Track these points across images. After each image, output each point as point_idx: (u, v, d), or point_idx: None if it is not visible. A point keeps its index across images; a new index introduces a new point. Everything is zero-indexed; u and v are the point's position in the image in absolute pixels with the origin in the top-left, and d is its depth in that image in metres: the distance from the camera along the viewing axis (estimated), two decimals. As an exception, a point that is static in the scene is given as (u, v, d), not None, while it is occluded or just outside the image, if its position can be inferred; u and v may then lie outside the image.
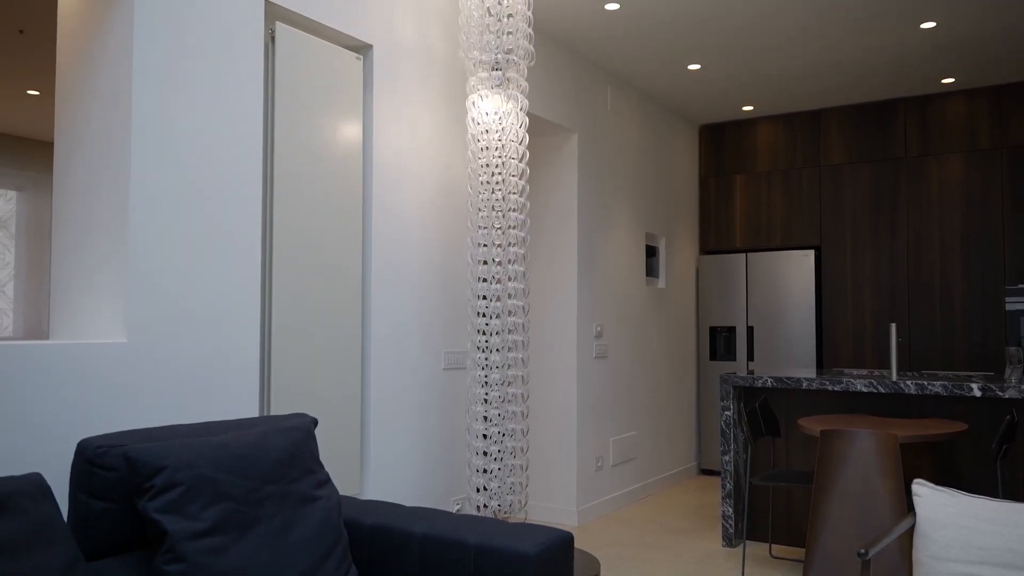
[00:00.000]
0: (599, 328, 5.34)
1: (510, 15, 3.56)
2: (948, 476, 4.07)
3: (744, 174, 6.79)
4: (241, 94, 2.92)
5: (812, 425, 3.71)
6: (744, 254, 6.61)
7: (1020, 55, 5.20)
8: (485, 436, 3.59)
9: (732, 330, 6.65)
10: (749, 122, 6.78)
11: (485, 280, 3.61)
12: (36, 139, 7.74)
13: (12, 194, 7.56)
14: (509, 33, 3.56)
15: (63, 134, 2.80)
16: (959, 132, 5.94)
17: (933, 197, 6.00)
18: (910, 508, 3.80)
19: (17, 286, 7.53)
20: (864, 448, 3.34)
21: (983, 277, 5.79)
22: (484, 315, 3.61)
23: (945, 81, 5.74)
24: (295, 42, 3.21)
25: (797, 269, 6.37)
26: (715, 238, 6.93)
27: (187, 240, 2.72)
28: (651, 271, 6.23)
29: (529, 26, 3.63)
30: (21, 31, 4.87)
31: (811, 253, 6.31)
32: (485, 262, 3.61)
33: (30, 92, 6.15)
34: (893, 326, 4.23)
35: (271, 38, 3.14)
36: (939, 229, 5.97)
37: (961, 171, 5.91)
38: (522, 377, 3.69)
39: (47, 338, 7.44)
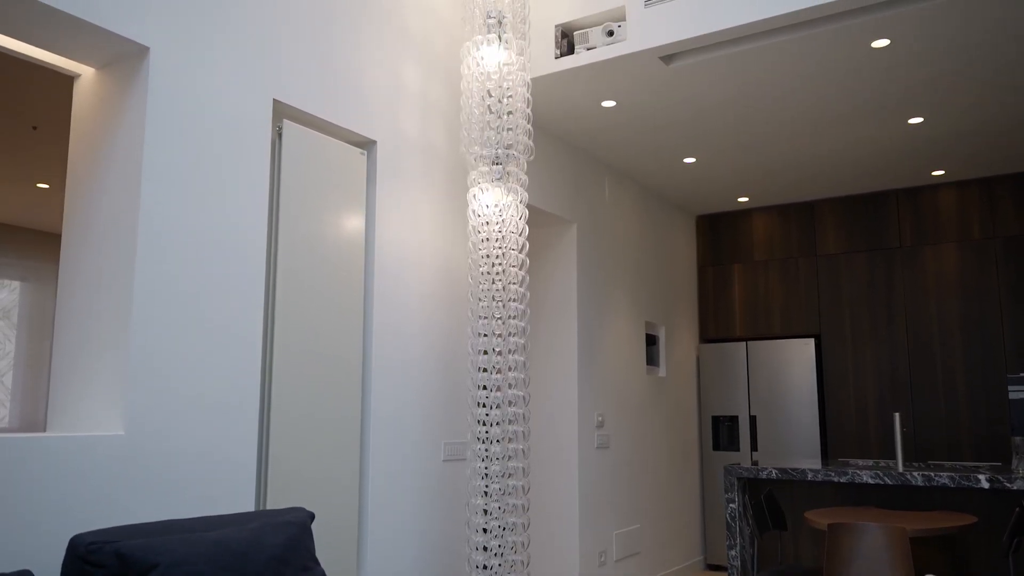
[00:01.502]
0: (600, 418, 5.30)
1: (510, 112, 3.68)
2: (959, 570, 3.97)
3: (741, 263, 6.86)
4: (247, 188, 2.99)
5: (819, 518, 3.63)
6: (744, 343, 6.61)
7: (1007, 148, 5.33)
8: (485, 530, 3.51)
9: (735, 419, 6.58)
10: (745, 212, 6.90)
11: (485, 370, 3.60)
12: (42, 230, 7.87)
13: (16, 284, 7.63)
14: (509, 129, 3.67)
15: (71, 226, 2.85)
16: (952, 223, 6.04)
17: (930, 286, 6.05)
18: (923, 605, 3.68)
19: (16, 376, 7.50)
20: (873, 542, 3.26)
21: (984, 366, 5.78)
22: (484, 405, 3.58)
23: (935, 173, 5.87)
24: (301, 139, 3.30)
25: (798, 358, 6.36)
26: (715, 327, 6.94)
27: (189, 331, 2.73)
28: (651, 360, 6.21)
29: (528, 123, 3.75)
30: (35, 127, 5.02)
31: (811, 342, 6.32)
32: (485, 352, 3.61)
33: (40, 185, 6.28)
34: (897, 416, 4.20)
35: (278, 135, 3.23)
36: (938, 318, 5.99)
37: (956, 261, 5.98)
38: (523, 469, 3.64)
39: (44, 429, 7.35)
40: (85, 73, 2.89)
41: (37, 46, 2.66)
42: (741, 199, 6.60)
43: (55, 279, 7.90)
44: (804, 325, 6.51)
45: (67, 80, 4.27)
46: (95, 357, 2.64)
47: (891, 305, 6.16)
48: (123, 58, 2.76)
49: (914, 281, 6.11)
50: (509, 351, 3.63)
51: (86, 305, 2.72)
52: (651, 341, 6.23)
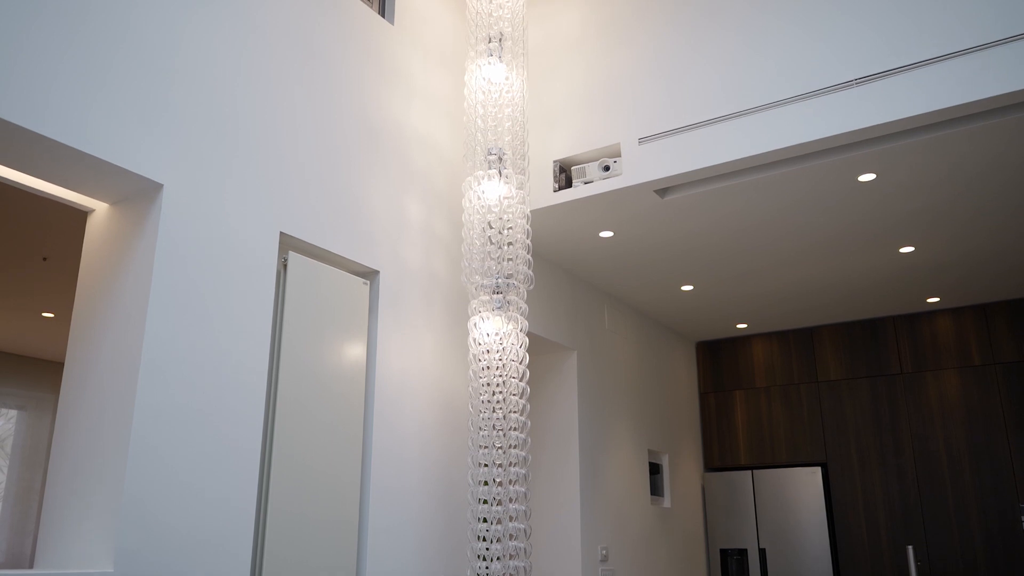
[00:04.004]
0: (604, 551, 5.13)
1: (510, 243, 3.77)
2: None
3: (743, 389, 6.83)
4: (251, 318, 3.03)
5: (835, 660, 3.46)
6: (750, 471, 6.49)
7: (998, 276, 5.42)
8: (485, 674, 3.34)
9: (744, 552, 6.37)
10: (744, 339, 6.93)
11: (485, 501, 3.53)
12: (43, 359, 7.88)
13: (13, 413, 7.57)
14: (509, 259, 3.75)
15: (75, 355, 2.87)
16: (950, 349, 6.05)
17: (934, 413, 5.99)
18: None
19: (5, 508, 7.32)
20: None
21: (996, 495, 5.65)
22: (484, 539, 3.49)
23: (930, 300, 5.94)
24: (306, 269, 3.37)
25: (805, 487, 6.22)
26: (719, 454, 6.83)
27: (186, 462, 2.70)
28: (656, 489, 6.08)
29: (528, 253, 3.84)
30: (45, 259, 5.13)
31: (818, 470, 6.20)
32: (486, 482, 3.55)
33: (45, 314, 6.35)
34: (910, 549, 4.07)
35: (284, 265, 3.31)
36: (945, 445, 5.90)
37: (958, 387, 5.96)
38: (524, 607, 3.49)
39: (31, 564, 7.09)
40: (99, 208, 2.99)
41: (55, 184, 2.77)
42: (740, 325, 6.65)
43: (53, 408, 7.84)
44: (810, 453, 6.41)
45: (81, 214, 4.41)
46: (89, 489, 2.60)
47: (896, 432, 6.09)
48: (137, 194, 2.87)
49: (918, 407, 6.06)
50: (510, 481, 3.57)
51: (84, 436, 2.70)
52: (655, 470, 6.12)
